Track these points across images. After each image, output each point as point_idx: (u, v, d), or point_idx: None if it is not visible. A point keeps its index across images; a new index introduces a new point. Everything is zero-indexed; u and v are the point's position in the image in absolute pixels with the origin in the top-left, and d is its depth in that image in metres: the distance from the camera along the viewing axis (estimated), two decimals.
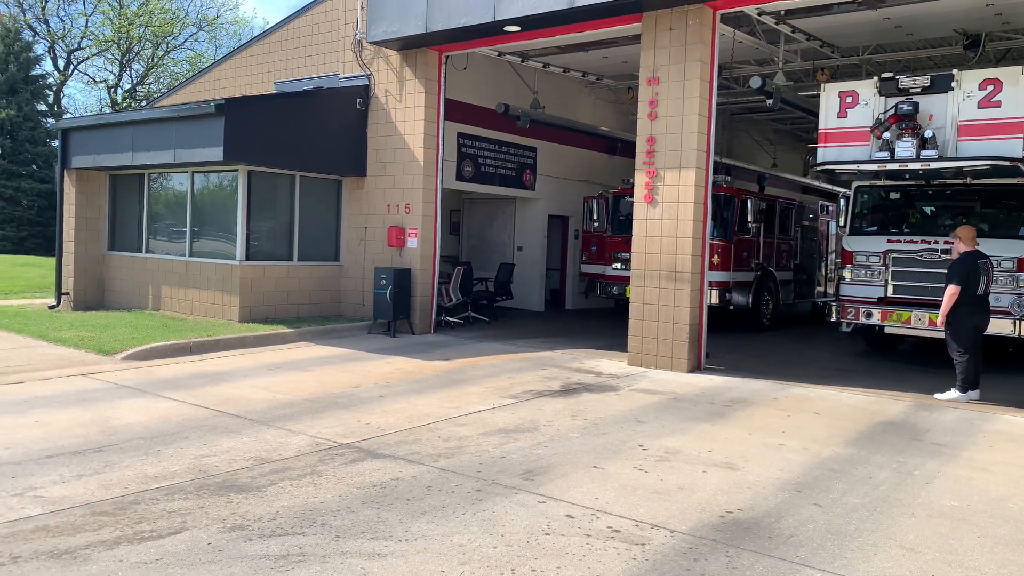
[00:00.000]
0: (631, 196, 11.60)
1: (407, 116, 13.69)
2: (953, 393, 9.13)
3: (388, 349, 11.82)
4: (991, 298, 9.41)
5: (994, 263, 9.49)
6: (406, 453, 6.36)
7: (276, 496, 5.27)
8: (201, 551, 4.36)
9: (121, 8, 39.79)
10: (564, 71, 16.69)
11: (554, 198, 18.32)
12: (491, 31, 12.23)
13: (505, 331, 14.24)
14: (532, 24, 11.73)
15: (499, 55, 14.90)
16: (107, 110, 40.69)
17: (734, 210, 14.51)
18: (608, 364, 11.02)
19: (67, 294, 15.65)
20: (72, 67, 41.16)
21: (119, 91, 42.04)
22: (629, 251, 11.49)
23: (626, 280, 13.26)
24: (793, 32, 13.09)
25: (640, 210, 10.95)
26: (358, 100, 14.16)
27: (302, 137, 13.42)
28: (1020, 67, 9.99)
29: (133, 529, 4.65)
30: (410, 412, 7.80)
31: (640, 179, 10.95)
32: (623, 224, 15.01)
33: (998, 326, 9.97)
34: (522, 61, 15.56)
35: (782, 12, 12.13)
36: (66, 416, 7.28)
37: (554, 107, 17.13)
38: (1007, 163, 9.97)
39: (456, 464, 6.09)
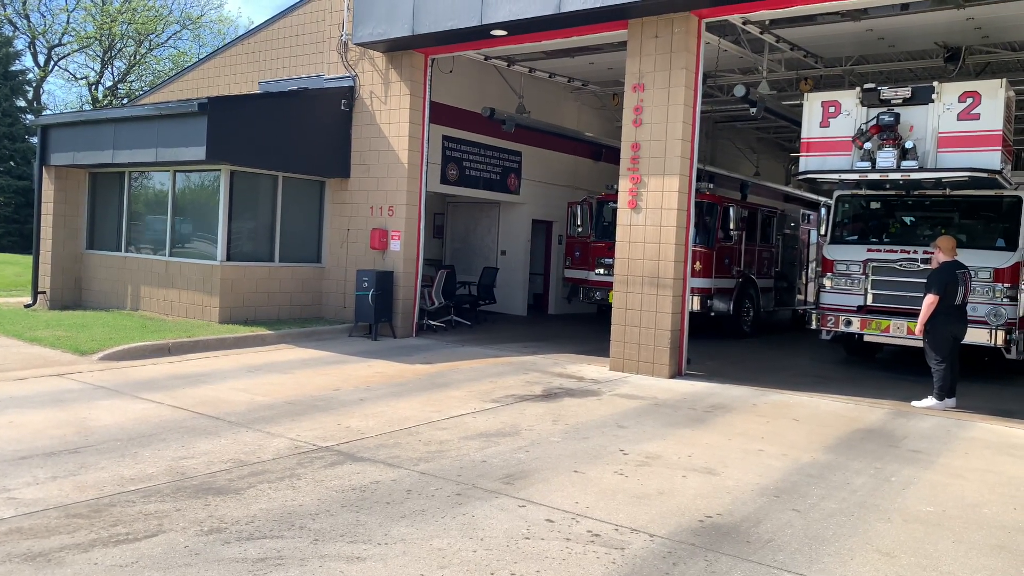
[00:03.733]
0: (615, 202, 11.64)
1: (392, 118, 13.65)
2: (930, 401, 9.23)
3: (369, 352, 11.77)
4: (968, 308, 9.53)
5: (972, 273, 9.60)
6: (386, 457, 6.33)
7: (254, 499, 5.22)
8: (178, 554, 4.31)
9: (104, 4, 39.45)
10: (550, 76, 16.72)
11: (538, 203, 18.34)
12: (478, 35, 12.23)
13: (487, 335, 14.22)
14: (519, 29, 11.74)
15: (485, 59, 14.91)
16: (88, 107, 40.28)
17: (717, 217, 14.59)
18: (590, 369, 11.03)
19: (44, 293, 15.45)
20: (53, 63, 40.75)
21: (100, 88, 41.66)
22: (612, 256, 11.52)
23: (609, 285, 13.28)
24: (777, 42, 13.19)
25: (624, 216, 10.98)
26: (343, 101, 14.11)
27: (286, 138, 13.34)
28: (999, 80, 10.15)
29: (108, 532, 4.59)
30: (390, 416, 7.77)
31: (624, 185, 10.98)
32: (607, 230, 15.05)
33: (975, 335, 10.10)
34: (508, 65, 15.58)
35: (767, 22, 12.22)
36: (41, 417, 7.18)
37: (539, 112, 17.16)
38: (985, 175, 10.11)
39: (436, 468, 6.07)
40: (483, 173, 16.88)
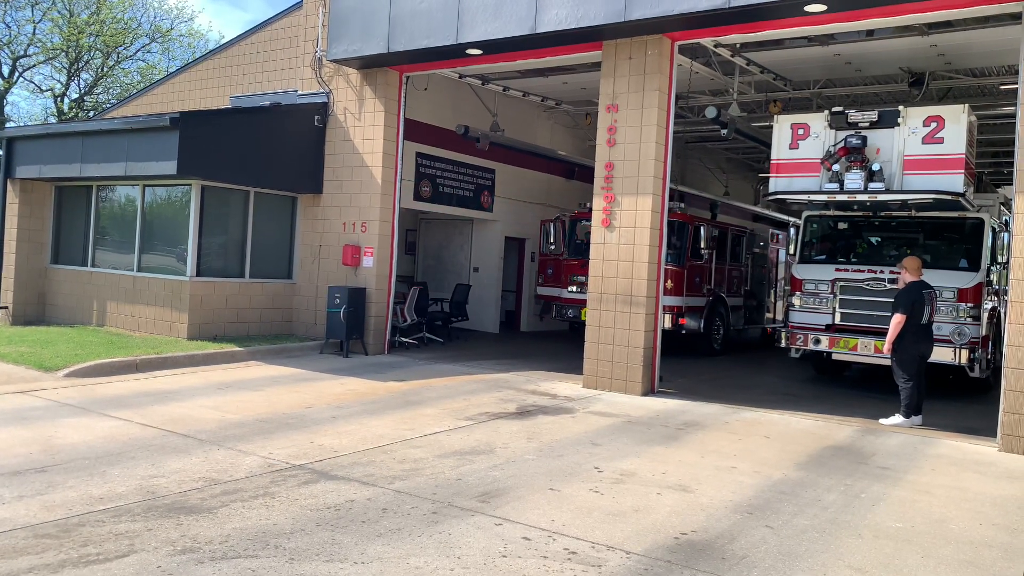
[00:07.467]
0: (588, 220, 11.72)
1: (366, 135, 13.64)
2: (897, 418, 9.39)
3: (341, 369, 11.68)
4: (933, 327, 9.73)
5: (937, 293, 9.81)
6: (360, 475, 6.28)
7: (228, 518, 5.15)
8: (150, 574, 4.24)
9: (71, 16, 38.94)
10: (524, 95, 16.85)
11: (511, 220, 18.41)
12: (453, 53, 12.30)
13: (460, 352, 14.19)
14: (494, 48, 11.84)
15: (460, 77, 14.98)
16: (52, 119, 39.63)
17: (688, 236, 14.76)
18: (563, 386, 11.06)
19: (6, 308, 15.13)
20: (17, 74, 40.02)
21: (66, 100, 41.02)
22: (585, 274, 11.60)
23: (581, 303, 13.35)
24: (748, 64, 13.44)
25: (598, 234, 11.07)
26: (316, 117, 14.07)
27: (258, 153, 13.26)
28: (962, 106, 10.42)
29: (78, 552, 4.49)
30: (364, 433, 7.71)
31: (598, 204, 11.07)
32: (579, 248, 15.14)
33: (941, 354, 10.31)
34: (482, 84, 15.67)
35: (737, 45, 12.46)
36: (5, 435, 7.02)
37: (513, 130, 17.26)
38: (949, 197, 10.35)
39: (411, 486, 6.04)
40: (456, 190, 16.91)
